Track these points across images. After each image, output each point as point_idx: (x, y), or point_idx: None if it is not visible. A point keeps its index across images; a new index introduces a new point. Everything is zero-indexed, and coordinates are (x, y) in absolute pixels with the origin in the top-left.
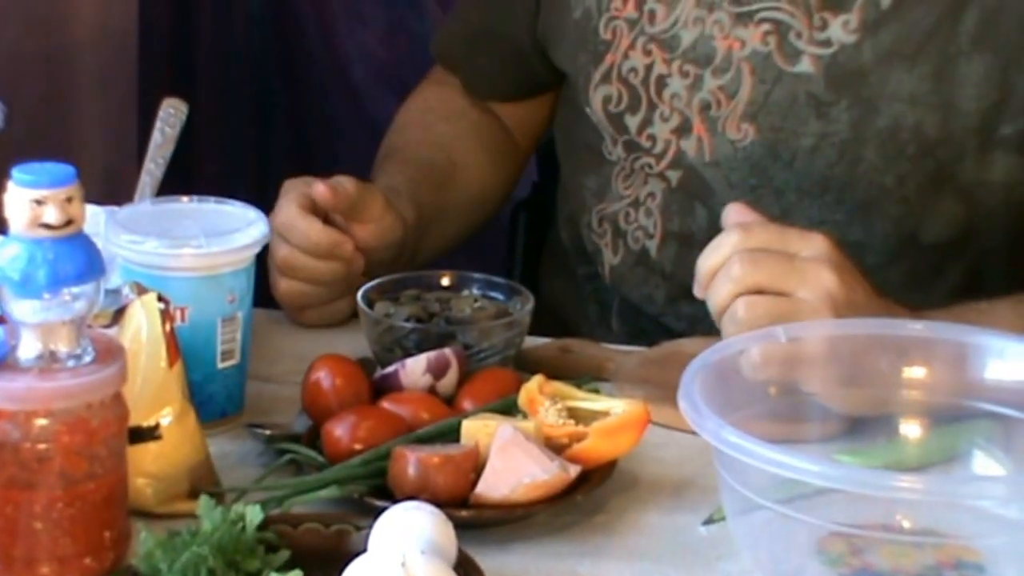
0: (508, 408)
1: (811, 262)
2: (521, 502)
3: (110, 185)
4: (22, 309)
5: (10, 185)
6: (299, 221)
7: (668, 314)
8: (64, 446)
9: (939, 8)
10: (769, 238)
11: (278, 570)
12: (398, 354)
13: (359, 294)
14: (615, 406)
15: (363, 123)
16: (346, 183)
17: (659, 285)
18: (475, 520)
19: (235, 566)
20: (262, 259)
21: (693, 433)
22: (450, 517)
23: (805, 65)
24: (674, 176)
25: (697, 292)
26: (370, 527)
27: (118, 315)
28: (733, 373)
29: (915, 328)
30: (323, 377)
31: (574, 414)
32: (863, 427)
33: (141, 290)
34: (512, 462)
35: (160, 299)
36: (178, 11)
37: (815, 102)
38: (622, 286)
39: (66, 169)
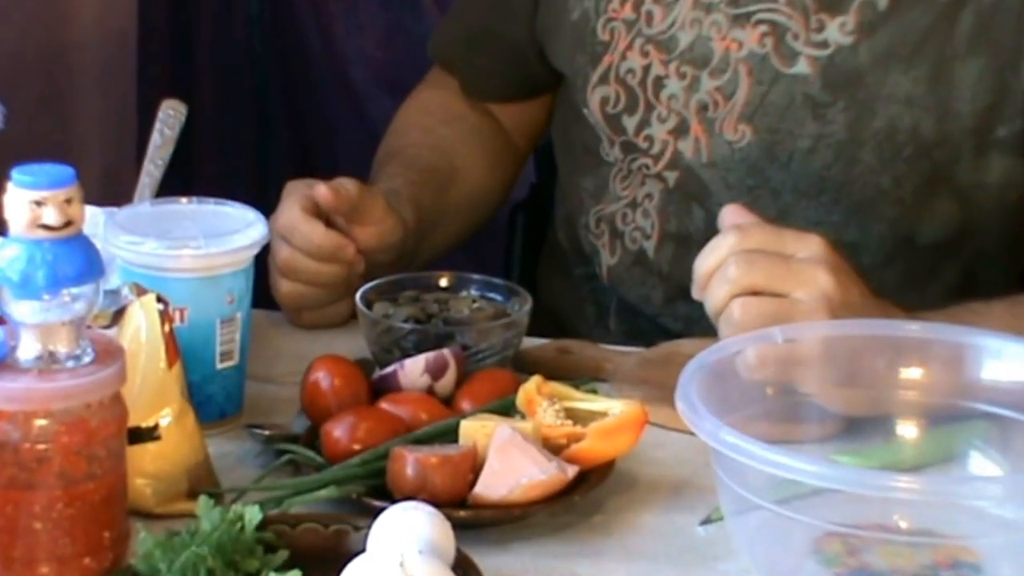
0: (506, 409)
1: (807, 263)
2: (519, 502)
3: (109, 186)
4: (22, 310)
5: (9, 186)
6: (302, 224)
7: (665, 314)
8: (63, 446)
9: (935, 11)
10: (765, 239)
11: (277, 570)
12: (397, 355)
13: (358, 295)
14: (613, 407)
15: (362, 124)
16: (348, 185)
17: (656, 286)
18: (473, 520)
19: (234, 566)
20: (261, 260)
21: (691, 434)
22: (448, 517)
23: (802, 66)
24: (671, 177)
25: (695, 293)
26: (369, 527)
27: (117, 316)
28: (730, 374)
29: (911, 329)
30: (322, 378)
31: (572, 415)
32: (860, 428)
33: (140, 291)
34: (510, 462)
35: (159, 300)
36: (177, 13)
37: (812, 103)
38: (620, 287)
39: (65, 170)
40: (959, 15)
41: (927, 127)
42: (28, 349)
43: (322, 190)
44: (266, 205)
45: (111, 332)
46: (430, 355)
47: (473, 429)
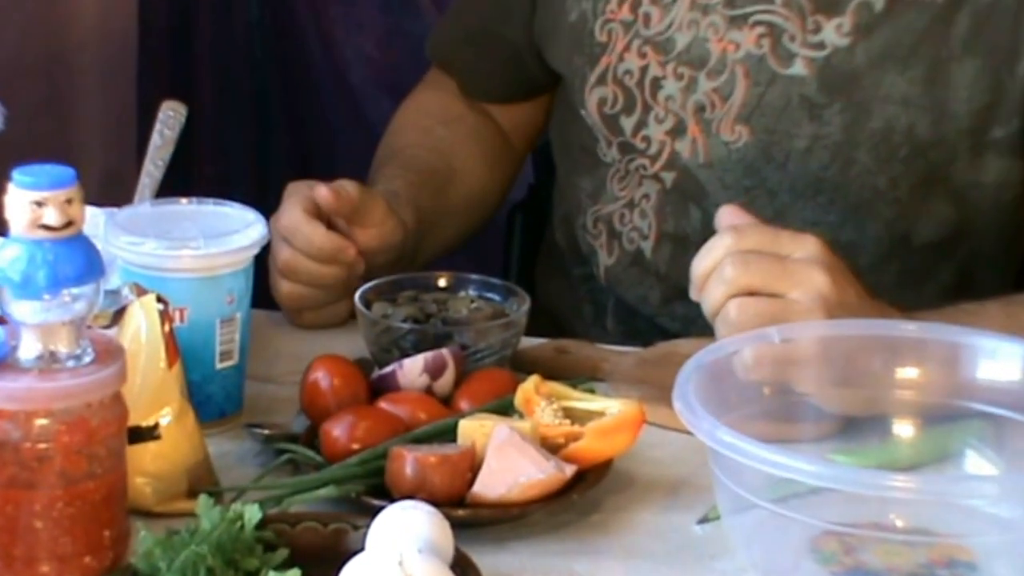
0: (504, 408)
1: (803, 264)
2: (517, 501)
3: (110, 187)
4: (22, 310)
5: (10, 187)
6: (303, 225)
7: (663, 315)
8: (64, 446)
9: (931, 12)
10: (761, 240)
11: (276, 569)
12: (396, 355)
13: (357, 295)
14: (611, 406)
15: (361, 125)
16: (349, 187)
17: (654, 286)
18: (472, 519)
19: (234, 565)
20: (260, 260)
21: (688, 433)
22: (447, 516)
23: (799, 68)
24: (668, 177)
25: (692, 294)
26: (368, 526)
27: (117, 316)
28: (727, 374)
29: (907, 329)
30: (321, 377)
31: (570, 414)
32: (856, 427)
33: (140, 291)
34: (508, 462)
35: (159, 300)
36: (177, 14)
37: (808, 104)
38: (617, 287)
39: (66, 171)
40: (955, 17)
41: (923, 128)
42: (29, 349)
43: (323, 192)
44: (266, 205)
45: (111, 332)
46: (429, 355)
47: (471, 428)
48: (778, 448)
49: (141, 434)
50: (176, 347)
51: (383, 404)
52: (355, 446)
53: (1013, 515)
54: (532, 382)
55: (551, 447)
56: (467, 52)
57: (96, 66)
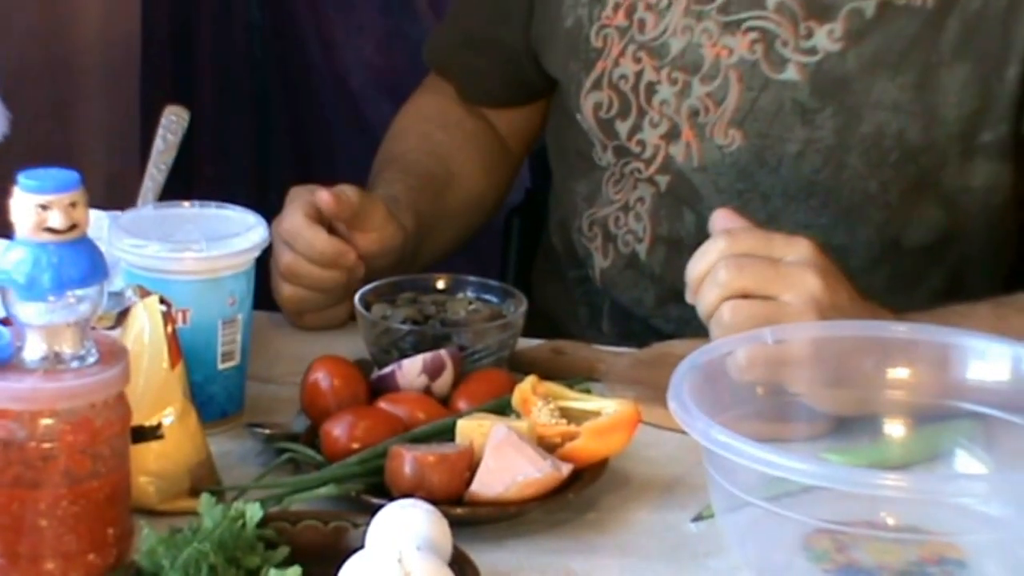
0: (502, 408)
1: (796, 266)
2: (515, 500)
3: (113, 190)
4: (27, 311)
5: (16, 190)
6: (305, 230)
7: (657, 316)
8: (68, 445)
9: (921, 18)
10: (754, 243)
11: (277, 566)
12: (395, 355)
13: (357, 297)
14: (606, 406)
15: (360, 128)
16: (349, 192)
17: (648, 288)
18: (470, 517)
19: (235, 562)
20: (262, 262)
21: (683, 433)
22: (445, 514)
23: (791, 73)
24: (663, 181)
25: (688, 297)
26: (367, 524)
27: (121, 317)
28: (721, 374)
29: (899, 330)
30: (321, 378)
31: (566, 414)
32: (848, 427)
33: (143, 293)
34: (506, 461)
35: (162, 302)
36: (179, 20)
37: (801, 109)
38: (612, 289)
39: (70, 175)
40: (945, 22)
41: (914, 132)
42: (34, 350)
43: (324, 197)
44: (266, 208)
45: (115, 333)
46: (427, 356)
47: (470, 428)
48: (771, 447)
49: (144, 434)
50: (179, 348)
51: (382, 404)
52: (355, 445)
53: (1002, 513)
54: (529, 382)
55: (548, 446)
56: (465, 57)
57: (100, 71)
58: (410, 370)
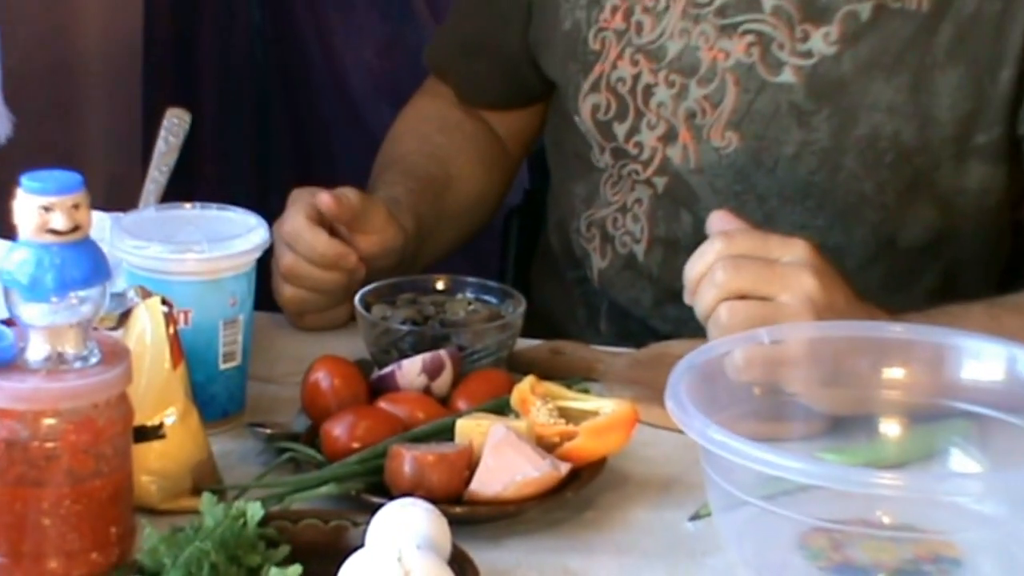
0: (501, 408)
1: (792, 267)
2: (513, 499)
3: (115, 192)
4: (30, 312)
5: (19, 192)
6: (306, 232)
7: (655, 317)
8: (71, 445)
9: (916, 21)
10: (751, 244)
11: (278, 565)
12: (394, 356)
13: (357, 298)
14: (604, 406)
15: (360, 132)
16: (350, 195)
17: (646, 289)
18: (469, 516)
19: (236, 561)
20: (263, 263)
21: (680, 432)
22: (445, 513)
23: (787, 75)
24: (660, 183)
25: (685, 298)
26: (367, 523)
27: (123, 318)
28: (719, 374)
29: (894, 330)
30: (322, 378)
31: (565, 414)
32: (844, 426)
33: (145, 294)
34: (505, 460)
35: (164, 302)
36: (181, 24)
37: (797, 111)
38: (610, 290)
39: (73, 177)
40: (939, 26)
41: (908, 134)
42: (37, 350)
43: (325, 199)
44: (267, 210)
45: (117, 334)
46: (427, 356)
47: (469, 428)
48: (768, 447)
49: (146, 433)
50: (180, 348)
51: (382, 404)
52: (355, 445)
53: (997, 512)
54: (528, 382)
55: (546, 446)
56: (464, 60)
57: (102, 74)
58: (410, 370)
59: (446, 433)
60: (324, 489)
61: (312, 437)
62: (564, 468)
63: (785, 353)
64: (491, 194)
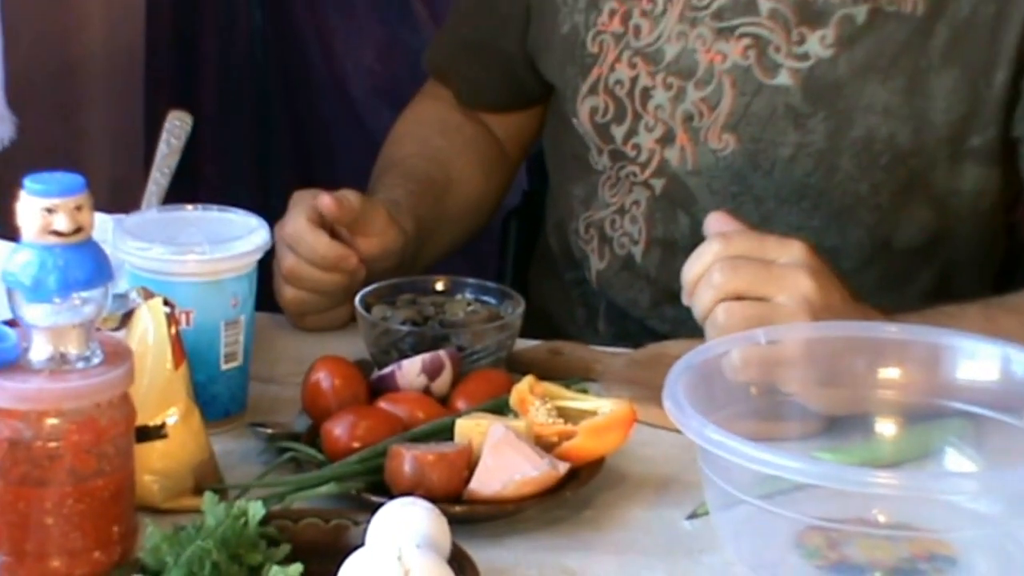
0: (500, 408)
1: (789, 268)
2: (512, 498)
3: (118, 194)
4: (34, 313)
5: (22, 194)
6: (307, 234)
7: (653, 317)
8: (74, 444)
9: (911, 25)
10: (748, 246)
11: (279, 563)
12: (394, 356)
13: (357, 299)
14: (603, 406)
15: (361, 134)
16: (351, 197)
17: (644, 289)
18: (468, 515)
19: (238, 560)
20: (264, 264)
21: (678, 431)
22: (444, 512)
23: (784, 78)
24: (658, 184)
25: (683, 299)
26: (368, 522)
27: (125, 319)
28: (716, 374)
29: (890, 331)
30: (322, 378)
31: (563, 413)
32: (840, 426)
33: (147, 295)
34: (504, 460)
35: (166, 303)
36: (183, 27)
37: (793, 113)
38: (608, 290)
39: (75, 179)
40: (934, 29)
41: (904, 136)
42: (40, 351)
43: (326, 201)
44: (268, 212)
45: (119, 334)
46: (427, 356)
47: (468, 427)
48: (765, 446)
49: (148, 433)
50: (182, 349)
51: (382, 404)
52: (355, 445)
53: (992, 511)
54: (527, 382)
55: (545, 445)
56: (463, 63)
57: (105, 77)
58: (410, 370)
59: (446, 433)
60: (325, 488)
61: (313, 437)
62: (563, 467)
63: (782, 353)
64: (490, 196)
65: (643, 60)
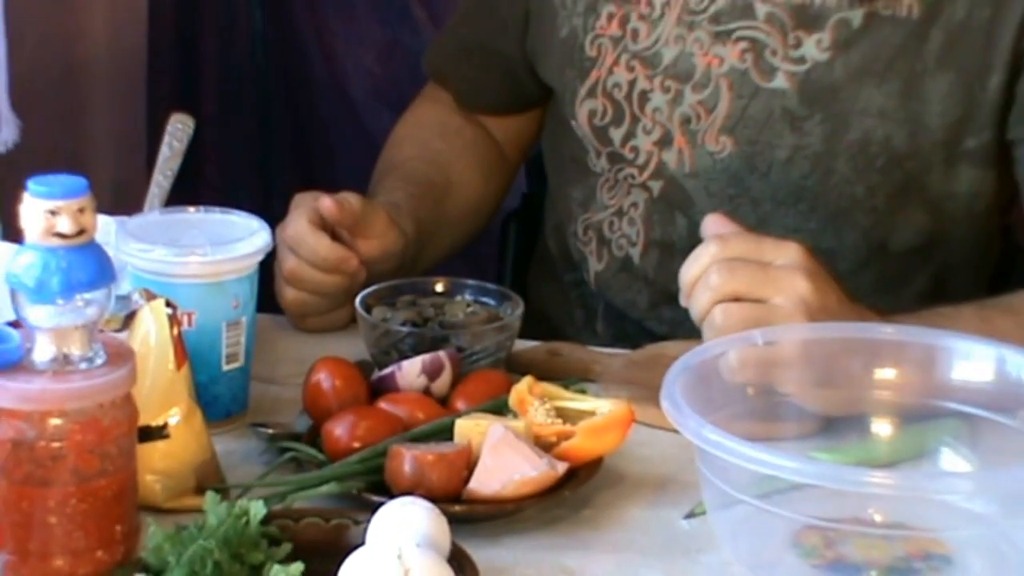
0: (499, 408)
1: (785, 270)
2: (511, 498)
3: (120, 196)
4: (37, 314)
5: (26, 196)
6: (308, 236)
7: (650, 318)
8: (77, 444)
9: (907, 28)
10: (745, 248)
11: (280, 562)
12: (395, 357)
13: (357, 300)
14: (601, 406)
15: (361, 137)
16: (352, 199)
17: (642, 291)
18: (468, 515)
19: (239, 559)
20: (265, 266)
21: (675, 432)
22: (444, 512)
23: (780, 81)
24: (656, 186)
25: (681, 300)
26: (368, 521)
27: (128, 320)
28: (713, 375)
29: (886, 332)
30: (323, 379)
31: (562, 414)
32: (837, 426)
33: (150, 296)
34: (503, 460)
35: (168, 305)
36: (184, 31)
37: (790, 116)
38: (606, 292)
39: (79, 181)
40: (929, 32)
41: (899, 139)
42: (43, 352)
43: (327, 203)
44: (270, 214)
45: (122, 335)
46: (426, 357)
47: (467, 428)
48: (762, 446)
49: (151, 433)
50: (184, 350)
51: (383, 404)
52: (356, 445)
53: (986, 510)
54: (526, 383)
55: (544, 445)
56: (463, 66)
57: (107, 81)
58: (410, 371)
59: (445, 433)
60: (325, 488)
61: (313, 437)
62: (561, 467)
63: (778, 354)
64: (489, 198)
65: (641, 63)
